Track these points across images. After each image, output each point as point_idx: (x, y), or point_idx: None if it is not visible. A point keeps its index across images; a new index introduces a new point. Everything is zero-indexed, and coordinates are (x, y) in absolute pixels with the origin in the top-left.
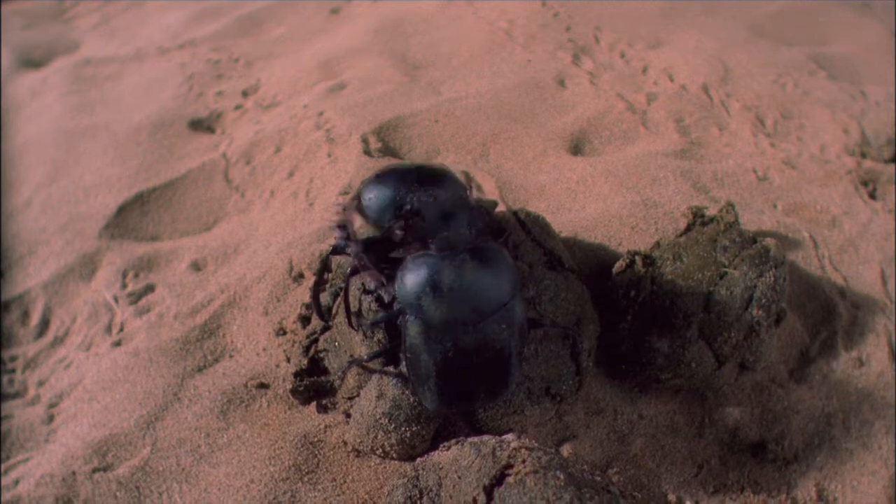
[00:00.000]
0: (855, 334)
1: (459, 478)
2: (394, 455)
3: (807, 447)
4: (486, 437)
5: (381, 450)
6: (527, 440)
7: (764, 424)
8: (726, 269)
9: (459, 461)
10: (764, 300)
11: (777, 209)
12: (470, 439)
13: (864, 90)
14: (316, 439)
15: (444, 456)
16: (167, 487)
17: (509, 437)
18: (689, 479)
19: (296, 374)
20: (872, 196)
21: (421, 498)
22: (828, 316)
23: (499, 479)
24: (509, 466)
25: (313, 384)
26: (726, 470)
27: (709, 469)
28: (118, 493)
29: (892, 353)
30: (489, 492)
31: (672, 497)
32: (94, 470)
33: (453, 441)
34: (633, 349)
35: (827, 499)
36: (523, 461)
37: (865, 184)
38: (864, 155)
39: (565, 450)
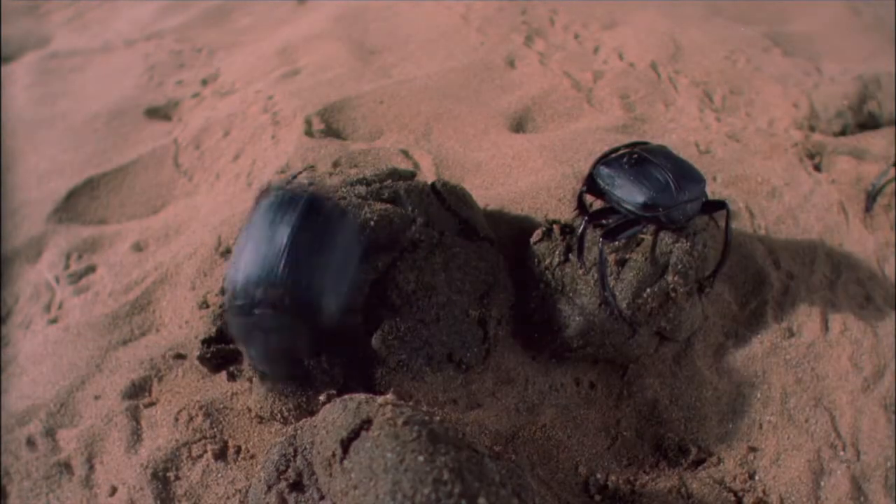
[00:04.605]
0: (786, 304)
1: (327, 433)
2: (292, 420)
3: (727, 420)
4: (357, 395)
5: (280, 415)
6: (393, 398)
7: (684, 396)
8: (643, 236)
9: (327, 417)
10: (680, 266)
11: (717, 181)
12: (343, 397)
13: (819, 66)
14: (222, 406)
15: (319, 414)
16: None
17: (387, 396)
18: (602, 452)
19: (203, 342)
20: (818, 168)
21: (295, 456)
22: (758, 286)
23: (356, 433)
24: (369, 421)
25: (220, 351)
26: (642, 442)
27: (623, 441)
28: (35, 463)
29: (824, 324)
30: (346, 445)
31: (583, 469)
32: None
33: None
34: (546, 318)
35: (748, 472)
36: (383, 415)
37: (812, 156)
38: (812, 128)
39: (471, 418)
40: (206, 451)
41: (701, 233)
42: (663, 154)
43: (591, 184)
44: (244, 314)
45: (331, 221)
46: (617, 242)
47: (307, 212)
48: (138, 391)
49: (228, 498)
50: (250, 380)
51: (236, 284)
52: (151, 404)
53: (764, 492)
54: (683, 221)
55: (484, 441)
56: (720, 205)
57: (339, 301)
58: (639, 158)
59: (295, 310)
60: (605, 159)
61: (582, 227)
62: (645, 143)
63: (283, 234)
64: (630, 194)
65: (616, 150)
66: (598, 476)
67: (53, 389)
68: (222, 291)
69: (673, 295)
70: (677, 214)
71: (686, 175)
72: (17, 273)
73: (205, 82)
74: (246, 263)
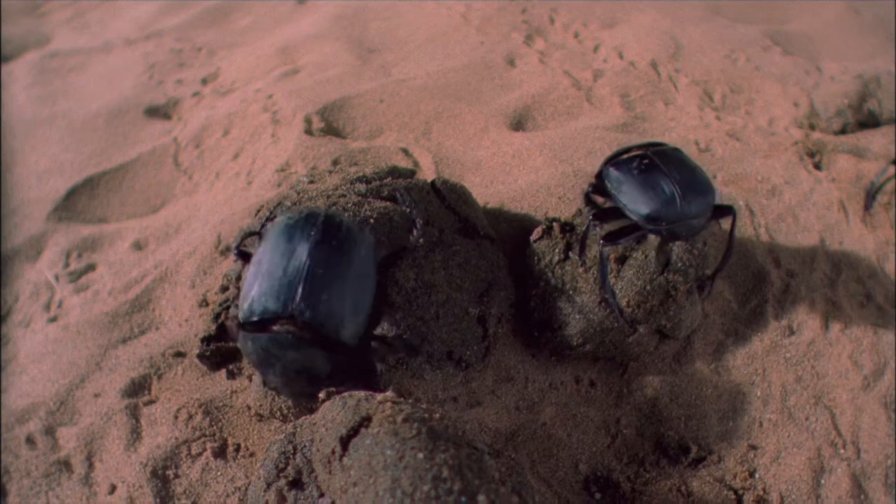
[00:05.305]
0: (786, 303)
1: (326, 430)
2: (292, 417)
3: (728, 418)
4: (357, 392)
5: (279, 412)
6: (393, 395)
7: (685, 394)
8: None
9: (327, 415)
10: (680, 264)
11: (716, 179)
12: (342, 394)
13: (819, 65)
14: (221, 404)
15: (318, 412)
16: (79, 453)
17: (387, 394)
18: (602, 450)
19: (203, 339)
20: (818, 166)
21: (295, 453)
22: (758, 284)
23: (356, 430)
24: (368, 418)
25: (220, 349)
26: (642, 440)
27: (623, 439)
28: (34, 461)
29: (824, 322)
30: (345, 443)
31: (583, 467)
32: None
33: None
34: (545, 316)
35: (748, 470)
36: (382, 413)
37: (812, 155)
38: (812, 127)
39: (471, 416)
40: (205, 449)
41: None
42: (675, 161)
43: (599, 184)
44: (261, 330)
45: (350, 236)
46: (619, 244)
47: (326, 229)
48: (138, 389)
49: (228, 496)
50: (250, 378)
51: (252, 299)
52: (151, 402)
53: (764, 490)
54: (687, 237)
55: (484, 439)
56: (727, 210)
57: (359, 318)
58: (649, 164)
59: (316, 325)
60: (615, 160)
61: (586, 225)
62: (660, 145)
63: (302, 251)
64: (634, 203)
65: (629, 149)
66: (599, 474)
67: (53, 388)
68: (223, 289)
69: (673, 293)
70: (680, 229)
71: (694, 188)
72: (17, 272)
73: (205, 81)
74: (263, 278)
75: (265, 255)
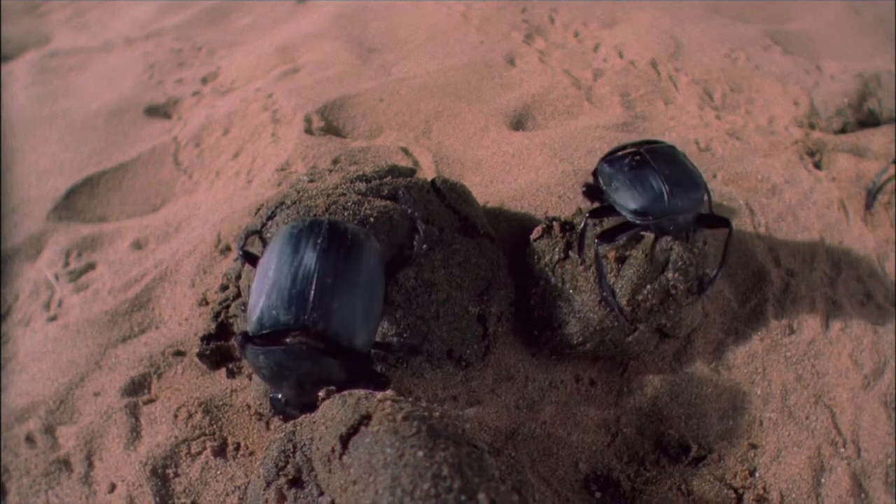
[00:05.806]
0: (787, 302)
1: (326, 429)
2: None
3: (728, 417)
4: (356, 391)
5: None
6: (393, 394)
7: (685, 393)
8: (643, 233)
9: (327, 413)
10: (680, 263)
11: (716, 178)
12: (342, 392)
13: (819, 65)
14: (221, 403)
15: (318, 410)
16: (79, 452)
17: (387, 392)
18: (602, 449)
19: (203, 338)
20: (818, 166)
21: (294, 452)
22: (759, 284)
23: (356, 429)
24: (368, 417)
25: (219, 348)
26: (643, 439)
27: (624, 438)
28: (34, 460)
29: (824, 321)
30: (345, 441)
31: (583, 466)
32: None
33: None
34: (545, 315)
35: (749, 469)
36: (382, 411)
37: (812, 154)
38: (812, 126)
39: (471, 415)
40: (205, 448)
41: (701, 230)
42: (667, 158)
43: (595, 180)
44: (271, 343)
45: (356, 244)
46: (614, 243)
47: (331, 236)
48: (138, 388)
49: (227, 495)
50: (249, 376)
51: (261, 312)
52: (151, 401)
53: (764, 489)
54: (674, 232)
55: (484, 437)
56: (723, 222)
57: (371, 325)
58: (640, 161)
59: (330, 334)
60: (610, 157)
61: (583, 223)
62: (654, 143)
63: (309, 260)
64: (624, 198)
65: (623, 147)
66: (599, 473)
67: (53, 386)
68: (222, 288)
69: (673, 292)
70: (667, 224)
71: (683, 184)
72: (17, 271)
73: (205, 80)
74: (270, 290)
75: (270, 265)
